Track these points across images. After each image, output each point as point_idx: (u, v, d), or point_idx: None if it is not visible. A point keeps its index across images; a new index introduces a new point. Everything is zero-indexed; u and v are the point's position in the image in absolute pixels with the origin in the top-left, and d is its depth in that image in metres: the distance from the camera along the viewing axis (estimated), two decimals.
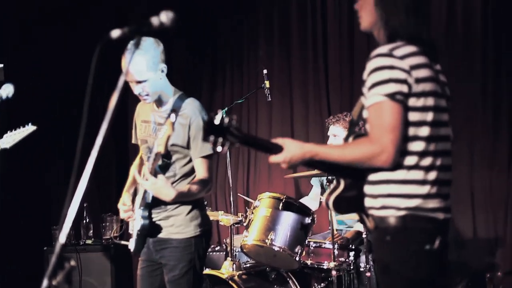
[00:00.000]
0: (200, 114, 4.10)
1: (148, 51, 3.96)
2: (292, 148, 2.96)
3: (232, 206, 6.46)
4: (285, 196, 5.30)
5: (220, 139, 2.82)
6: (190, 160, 4.14)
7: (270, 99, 6.49)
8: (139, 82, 3.98)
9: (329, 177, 5.07)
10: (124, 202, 4.23)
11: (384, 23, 3.05)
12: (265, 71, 6.44)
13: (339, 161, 2.95)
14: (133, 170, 4.39)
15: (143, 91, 4.02)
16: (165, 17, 2.78)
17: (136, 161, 4.50)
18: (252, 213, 5.35)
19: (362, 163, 2.92)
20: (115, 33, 2.74)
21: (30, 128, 4.77)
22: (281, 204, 5.24)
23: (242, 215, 5.55)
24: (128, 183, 4.39)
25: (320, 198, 5.94)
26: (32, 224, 7.76)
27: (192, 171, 4.16)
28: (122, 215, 4.26)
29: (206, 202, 5.81)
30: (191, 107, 4.11)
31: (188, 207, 4.14)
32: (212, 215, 5.77)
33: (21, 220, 7.67)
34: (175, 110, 3.72)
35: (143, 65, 3.94)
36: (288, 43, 7.73)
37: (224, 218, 5.63)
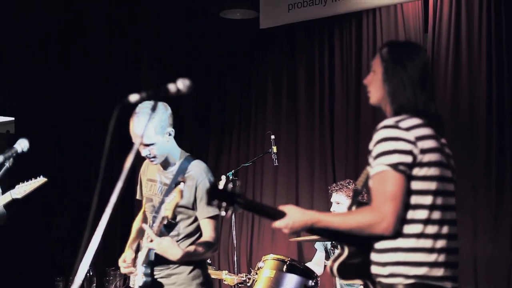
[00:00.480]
0: (207, 176, 4.12)
1: (156, 115, 4.00)
2: (295, 215, 3.02)
3: (235, 266, 6.49)
4: (289, 259, 5.35)
5: (224, 204, 2.92)
6: (194, 220, 4.15)
7: (277, 164, 6.60)
8: (146, 145, 4.02)
9: (334, 242, 5.11)
10: (124, 259, 4.23)
11: (391, 98, 3.16)
12: (272, 137, 6.57)
13: (341, 228, 3.00)
14: (135, 225, 4.45)
15: (150, 153, 4.05)
16: (181, 84, 2.90)
17: (139, 217, 4.51)
18: (256, 273, 5.39)
19: (362, 230, 2.97)
20: (133, 97, 2.86)
21: (41, 180, 4.86)
22: (285, 266, 5.29)
23: (246, 275, 5.60)
24: (131, 239, 4.40)
25: (325, 263, 5.98)
26: (35, 274, 7.80)
27: (195, 231, 4.17)
28: (123, 271, 4.27)
29: (210, 261, 5.89)
30: (197, 168, 4.13)
31: (190, 266, 4.14)
32: (216, 274, 5.82)
33: (25, 269, 7.71)
34: (184, 178, 3.74)
35: (151, 129, 3.98)
36: (295, 110, 7.87)
37: (228, 278, 5.67)
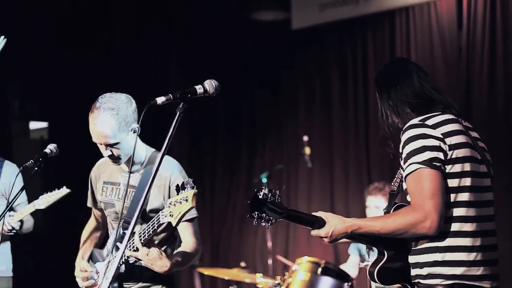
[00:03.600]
0: (180, 173, 3.73)
1: (119, 110, 3.57)
2: (335, 222, 2.99)
3: (270, 269, 6.46)
4: (324, 261, 5.30)
5: (265, 215, 2.88)
6: (168, 225, 3.61)
7: (310, 165, 6.54)
8: (109, 145, 3.61)
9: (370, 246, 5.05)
10: (83, 268, 3.89)
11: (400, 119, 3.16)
12: (305, 138, 6.52)
13: (382, 232, 2.96)
14: (85, 234, 4.14)
15: (113, 154, 3.63)
16: (209, 85, 2.88)
17: (89, 225, 4.17)
18: (291, 276, 5.35)
19: (406, 231, 2.92)
20: (160, 99, 2.84)
21: (64, 191, 4.85)
22: (319, 269, 5.24)
23: (280, 278, 5.56)
24: (83, 248, 4.08)
25: (359, 265, 5.91)
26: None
27: (169, 237, 3.79)
28: (83, 284, 3.92)
29: (245, 264, 5.85)
30: (169, 166, 3.72)
31: (160, 285, 3.78)
32: (250, 277, 5.80)
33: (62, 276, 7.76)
34: (194, 182, 3.29)
35: (114, 127, 3.55)
36: (329, 112, 7.80)
37: (262, 281, 5.64)
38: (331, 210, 7.30)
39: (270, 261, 6.55)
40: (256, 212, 2.88)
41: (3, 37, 6.46)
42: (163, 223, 3.41)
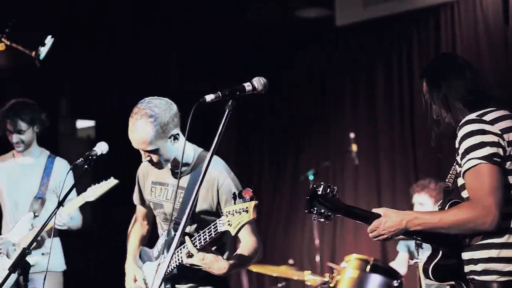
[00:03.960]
0: (229, 175, 3.68)
1: (157, 117, 3.52)
2: (389, 214, 2.96)
3: (318, 267, 6.45)
4: (373, 259, 5.28)
5: (323, 211, 2.87)
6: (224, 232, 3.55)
7: (357, 162, 6.51)
8: (147, 151, 3.59)
9: (417, 241, 5.00)
10: (136, 278, 3.87)
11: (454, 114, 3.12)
12: (351, 135, 6.49)
13: (439, 227, 2.92)
14: (133, 236, 4.12)
15: (152, 160, 3.61)
16: (258, 82, 2.89)
17: (135, 226, 4.16)
18: (339, 274, 5.33)
19: (464, 227, 2.89)
20: (209, 97, 2.85)
21: (112, 182, 4.88)
22: (368, 266, 5.22)
23: (329, 276, 5.55)
24: (132, 251, 4.05)
25: (409, 262, 5.86)
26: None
27: (222, 238, 3.66)
28: (132, 285, 3.90)
29: (293, 262, 5.83)
30: (217, 168, 3.66)
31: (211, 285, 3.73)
32: (298, 275, 5.79)
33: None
34: (253, 193, 3.20)
35: (152, 134, 3.52)
36: (374, 108, 7.78)
37: (311, 279, 5.64)
38: (377, 207, 7.25)
39: (317, 259, 6.53)
40: (314, 208, 2.87)
41: (50, 36, 6.56)
42: (220, 231, 3.33)
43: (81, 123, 9.09)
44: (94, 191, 4.87)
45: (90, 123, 8.99)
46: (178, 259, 3.55)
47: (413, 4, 7.31)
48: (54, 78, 7.82)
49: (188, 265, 3.49)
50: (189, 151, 3.73)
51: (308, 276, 5.68)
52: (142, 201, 4.04)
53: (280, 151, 8.31)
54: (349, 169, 7.71)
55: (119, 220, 8.00)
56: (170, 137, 3.57)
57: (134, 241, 4.09)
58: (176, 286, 3.74)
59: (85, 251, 7.81)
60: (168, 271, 3.58)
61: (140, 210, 4.13)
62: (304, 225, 7.90)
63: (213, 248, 3.53)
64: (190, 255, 3.42)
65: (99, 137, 8.53)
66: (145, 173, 3.96)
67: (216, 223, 3.36)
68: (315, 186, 2.89)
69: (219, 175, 3.64)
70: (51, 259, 5.05)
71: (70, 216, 5.02)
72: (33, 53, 6.60)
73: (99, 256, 8.18)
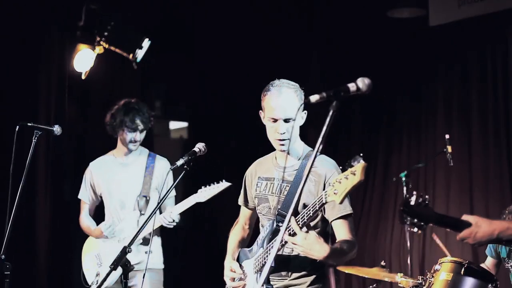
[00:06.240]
0: (337, 171, 3.74)
1: (297, 90, 3.72)
2: (480, 224, 2.93)
3: (408, 269, 6.40)
4: (467, 261, 5.19)
5: (416, 221, 2.88)
6: (319, 223, 3.72)
7: (452, 164, 6.44)
8: (287, 120, 3.70)
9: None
10: (233, 269, 3.93)
11: None
12: (447, 136, 6.41)
13: None
14: (232, 236, 4.19)
15: (287, 131, 3.69)
16: (362, 83, 2.89)
17: (237, 227, 4.23)
18: (433, 276, 5.27)
19: None
20: (314, 97, 2.88)
21: (224, 185, 4.97)
22: (463, 269, 5.14)
23: (422, 278, 5.49)
24: (232, 249, 4.12)
25: (505, 265, 5.75)
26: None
27: (322, 234, 3.66)
28: (230, 284, 3.96)
29: (384, 263, 5.81)
30: (326, 164, 3.78)
31: (311, 278, 3.77)
32: (389, 276, 5.76)
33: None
34: (363, 158, 3.25)
35: (296, 102, 3.67)
36: (467, 108, 7.64)
37: (403, 280, 5.59)
38: (470, 211, 7.16)
39: (408, 261, 6.48)
40: (408, 218, 2.87)
41: (147, 39, 6.72)
42: (325, 203, 3.30)
43: (174, 124, 9.25)
44: (206, 193, 4.97)
45: (183, 124, 9.15)
46: (282, 242, 3.51)
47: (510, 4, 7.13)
48: (149, 80, 7.99)
49: (288, 251, 3.58)
50: (299, 146, 3.86)
51: (400, 278, 5.64)
52: (246, 202, 4.13)
53: (370, 152, 8.26)
54: (440, 170, 7.61)
55: (214, 219, 8.18)
56: (303, 114, 3.74)
57: (233, 241, 4.16)
58: (272, 278, 3.77)
59: (184, 249, 7.95)
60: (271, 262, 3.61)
61: (244, 213, 4.21)
62: (393, 226, 7.84)
63: None
64: (292, 234, 3.42)
65: (191, 138, 8.70)
66: (254, 172, 4.06)
67: (321, 196, 3.34)
68: (407, 196, 2.89)
69: (327, 171, 3.73)
70: (152, 257, 5.21)
71: (179, 217, 5.14)
72: (131, 56, 6.80)
73: (196, 253, 8.32)
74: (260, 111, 3.86)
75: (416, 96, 8.13)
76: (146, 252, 5.22)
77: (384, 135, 8.31)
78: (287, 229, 3.41)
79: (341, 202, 3.20)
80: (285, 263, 3.73)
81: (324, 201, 3.29)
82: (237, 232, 4.21)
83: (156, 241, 5.41)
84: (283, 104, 3.67)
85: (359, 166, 3.11)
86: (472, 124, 7.58)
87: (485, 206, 7.30)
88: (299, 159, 3.83)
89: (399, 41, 8.12)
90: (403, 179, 6.56)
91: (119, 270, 3.83)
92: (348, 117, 8.51)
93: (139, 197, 5.36)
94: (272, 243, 3.67)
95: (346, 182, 3.13)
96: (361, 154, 3.19)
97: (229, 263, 4.00)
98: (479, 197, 7.43)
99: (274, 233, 3.68)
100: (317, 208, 3.36)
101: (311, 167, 2.79)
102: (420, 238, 7.73)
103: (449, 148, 6.34)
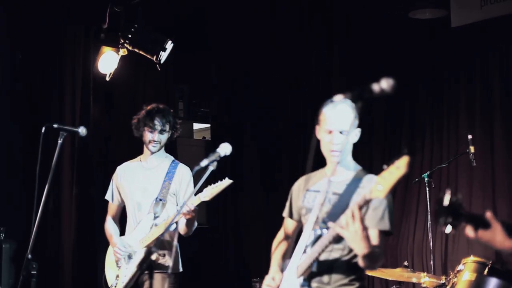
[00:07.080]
0: None
1: (353, 107, 3.69)
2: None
3: (430, 269, 6.40)
4: (491, 261, 5.20)
5: (450, 220, 2.89)
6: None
7: (475, 164, 6.44)
8: (341, 132, 3.76)
9: None
10: (273, 277, 3.94)
11: None
12: (470, 137, 6.41)
13: None
14: (279, 247, 4.18)
15: (341, 143, 3.76)
16: (386, 83, 2.92)
17: (279, 236, 4.24)
18: (456, 276, 5.28)
19: None
20: (337, 97, 2.91)
21: (226, 182, 5.00)
22: (486, 269, 5.14)
23: (445, 278, 5.50)
24: (277, 258, 4.13)
25: None
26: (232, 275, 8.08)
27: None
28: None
29: (407, 263, 5.81)
30: (373, 179, 3.53)
31: (357, 283, 3.79)
32: (414, 277, 5.77)
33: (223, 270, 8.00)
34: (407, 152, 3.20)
35: (351, 115, 3.71)
36: (490, 108, 7.62)
37: (427, 281, 5.60)
38: (492, 211, 7.12)
39: (431, 261, 6.48)
40: (443, 217, 2.88)
41: (170, 41, 6.77)
42: (369, 200, 3.32)
43: (197, 125, 9.31)
44: (210, 192, 5.00)
45: (206, 125, 9.21)
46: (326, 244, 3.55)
47: None
48: (172, 81, 8.06)
49: (329, 249, 3.61)
50: (350, 160, 3.92)
51: (424, 278, 5.65)
52: (291, 214, 4.14)
53: (392, 152, 8.25)
54: (463, 170, 7.59)
55: (231, 221, 8.23)
56: (356, 133, 3.83)
57: (278, 252, 4.16)
58: (312, 282, 3.77)
59: (200, 252, 7.99)
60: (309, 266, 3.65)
61: (287, 224, 4.21)
62: (416, 227, 7.83)
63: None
64: (343, 227, 3.41)
65: (214, 139, 8.75)
66: (302, 185, 4.08)
67: (364, 193, 3.36)
68: (441, 197, 2.90)
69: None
70: (170, 261, 5.26)
71: (196, 209, 5.14)
72: (154, 58, 6.87)
73: (213, 257, 8.36)
74: (317, 125, 3.91)
75: (438, 97, 8.10)
76: (163, 255, 5.29)
77: (407, 134, 8.29)
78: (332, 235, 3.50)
79: (384, 196, 3.24)
80: (327, 270, 3.75)
81: (366, 198, 3.32)
82: (280, 243, 4.22)
83: (175, 245, 5.44)
84: (338, 115, 3.76)
85: (402, 160, 3.15)
86: (494, 125, 7.55)
87: (509, 206, 7.28)
88: (349, 173, 3.87)
89: (420, 42, 8.12)
90: (426, 179, 6.56)
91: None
92: (370, 118, 8.51)
93: (155, 200, 5.40)
94: (314, 247, 3.66)
95: (390, 176, 3.18)
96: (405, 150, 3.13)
97: (274, 272, 3.99)
98: (502, 197, 7.40)
99: (317, 239, 3.66)
100: (361, 204, 3.37)
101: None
102: (442, 238, 7.73)
103: (472, 149, 6.34)
